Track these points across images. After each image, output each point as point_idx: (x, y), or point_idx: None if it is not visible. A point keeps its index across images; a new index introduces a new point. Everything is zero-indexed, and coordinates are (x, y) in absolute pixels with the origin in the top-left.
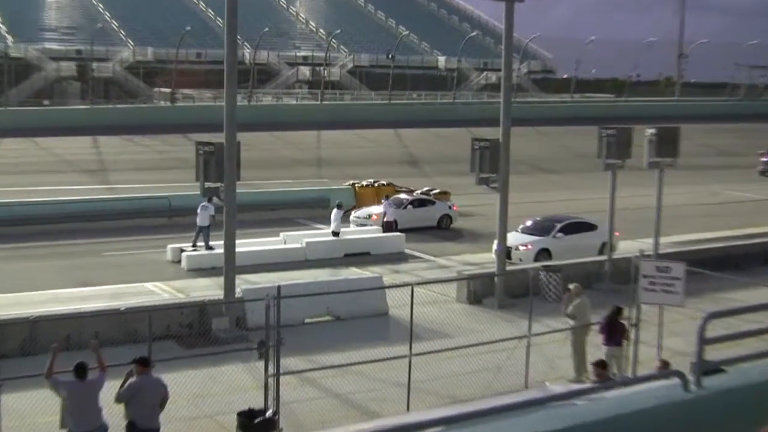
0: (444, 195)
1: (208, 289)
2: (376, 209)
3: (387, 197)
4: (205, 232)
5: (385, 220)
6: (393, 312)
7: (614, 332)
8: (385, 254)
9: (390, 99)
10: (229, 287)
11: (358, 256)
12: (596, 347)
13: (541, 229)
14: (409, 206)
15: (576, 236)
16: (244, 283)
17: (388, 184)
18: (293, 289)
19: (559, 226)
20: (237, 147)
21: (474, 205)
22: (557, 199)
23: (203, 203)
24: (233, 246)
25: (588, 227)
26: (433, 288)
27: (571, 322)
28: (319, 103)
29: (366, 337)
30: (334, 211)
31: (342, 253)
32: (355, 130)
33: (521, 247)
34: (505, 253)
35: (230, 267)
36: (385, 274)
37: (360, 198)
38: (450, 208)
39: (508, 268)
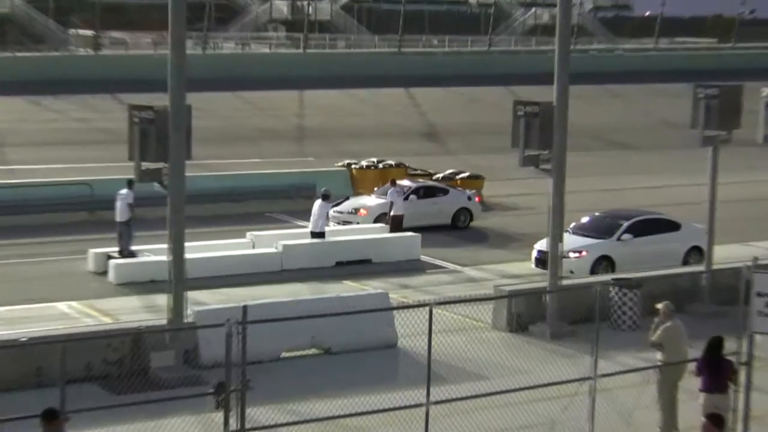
0: (475, 181)
1: (146, 311)
2: (368, 201)
3: (393, 183)
4: (125, 231)
5: (392, 214)
6: (404, 343)
7: (717, 373)
8: (392, 262)
9: (401, 46)
10: (176, 309)
11: (355, 265)
12: (690, 394)
13: (600, 228)
14: (412, 196)
15: (650, 239)
16: (196, 303)
17: (398, 165)
18: (265, 310)
19: (626, 224)
20: (187, 113)
21: (516, 194)
22: (634, 186)
23: (121, 191)
24: (182, 252)
25: (667, 226)
26: (460, 310)
27: (658, 357)
28: (301, 51)
29: (366, 377)
30: (318, 203)
31: (333, 261)
32: (351, 90)
33: (572, 254)
34: (543, 261)
35: (178, 281)
36: (393, 290)
37: (359, 184)
38: (470, 199)
39: (566, 282)
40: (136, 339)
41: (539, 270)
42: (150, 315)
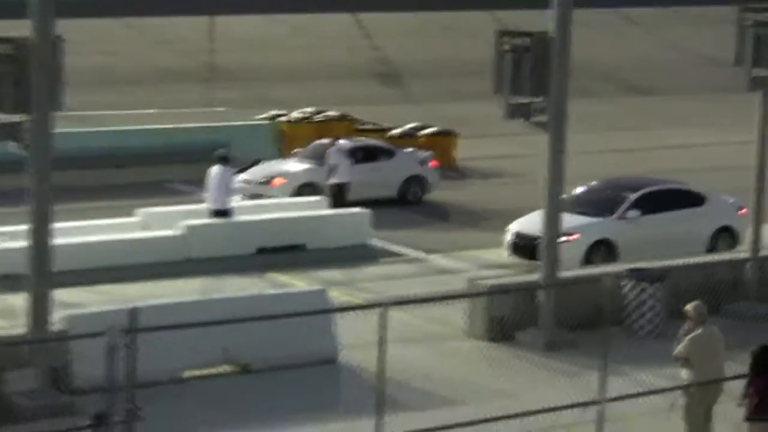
0: (445, 139)
1: None
2: (287, 166)
3: (335, 141)
4: None
5: (333, 181)
6: (348, 357)
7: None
8: (333, 249)
9: None
10: (39, 314)
11: (284, 253)
12: (729, 423)
13: (598, 203)
14: (345, 161)
15: (664, 217)
16: (66, 305)
17: (342, 118)
18: (162, 315)
19: (632, 197)
20: (58, 46)
21: (500, 156)
22: (658, 145)
23: None
24: (47, 235)
25: (688, 200)
26: (424, 312)
27: (684, 375)
28: None
29: (297, 404)
30: (215, 170)
31: (254, 248)
32: (279, 15)
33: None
34: (522, 247)
35: (41, 275)
36: (334, 285)
37: (289, 143)
38: (423, 163)
39: (565, 274)
40: None
41: (516, 259)
42: (3, 321)
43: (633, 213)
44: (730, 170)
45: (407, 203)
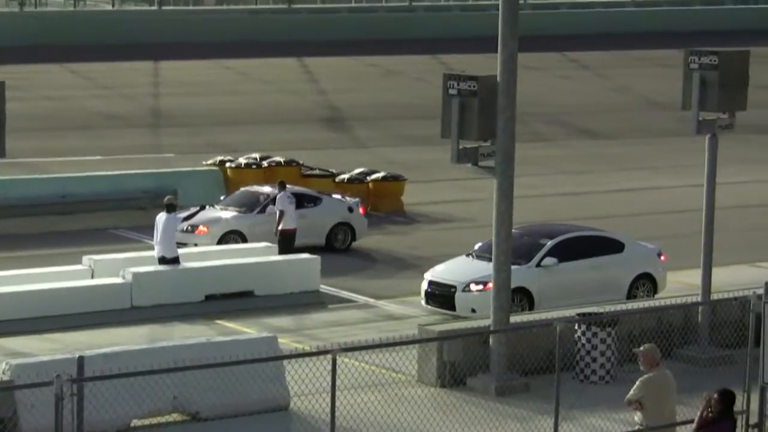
0: (394, 183)
1: None
2: (215, 213)
3: (282, 186)
4: None
5: (280, 228)
6: (299, 405)
7: None
8: (282, 295)
9: (291, 2)
10: None
11: (233, 299)
12: None
13: (515, 250)
14: (269, 208)
15: (582, 264)
16: (11, 354)
17: (289, 163)
18: (109, 363)
19: (549, 245)
20: None
21: (447, 200)
22: (608, 189)
23: None
24: None
25: (606, 247)
26: (374, 359)
27: (636, 419)
28: (156, 8)
29: None
30: (162, 217)
31: (201, 295)
32: (225, 60)
33: (473, 287)
34: (436, 296)
35: None
36: (284, 333)
37: (235, 187)
38: (351, 209)
39: (516, 318)
40: None
41: (431, 308)
42: None
43: (549, 260)
44: (675, 213)
45: (336, 252)
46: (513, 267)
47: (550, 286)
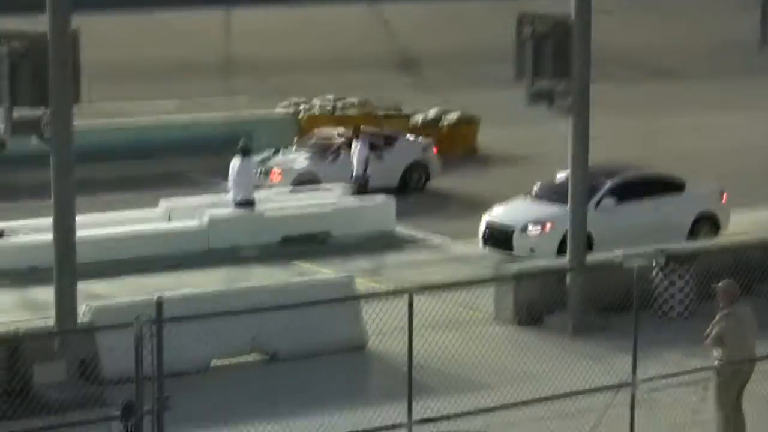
0: (467, 126)
1: (25, 310)
2: (290, 158)
3: (357, 131)
4: None
5: (355, 173)
6: (376, 344)
7: None
8: (358, 236)
9: None
10: (66, 306)
11: (308, 243)
12: (763, 403)
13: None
14: (343, 152)
15: (641, 205)
16: (92, 297)
17: (363, 105)
18: (188, 305)
19: (607, 185)
20: (74, 41)
21: (521, 142)
22: (683, 128)
23: None
24: (72, 228)
25: (666, 187)
26: (451, 298)
27: (715, 355)
28: None
29: (326, 391)
30: (237, 162)
31: (278, 237)
32: (295, 7)
33: (531, 228)
34: (495, 238)
35: (66, 267)
36: (360, 273)
37: (307, 132)
38: (424, 149)
39: (592, 257)
40: (13, 347)
41: (490, 250)
42: (31, 314)
43: (608, 201)
44: (752, 149)
45: (411, 191)
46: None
47: (609, 227)
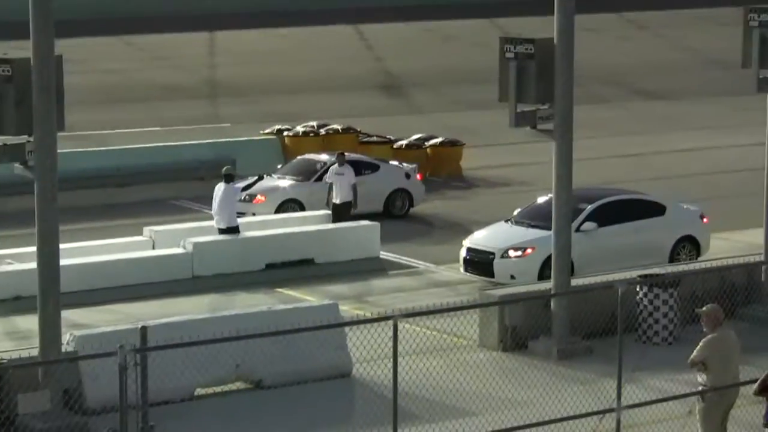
0: (451, 148)
1: (9, 339)
2: (273, 182)
3: (341, 156)
4: None
5: (334, 202)
6: (361, 371)
7: None
8: (342, 262)
9: None
10: (49, 334)
11: (293, 268)
12: (747, 428)
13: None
14: (325, 176)
15: (622, 228)
16: (76, 326)
17: (347, 131)
18: (172, 332)
19: (588, 209)
20: (57, 66)
21: (506, 165)
22: (667, 149)
23: None
24: (55, 256)
25: (647, 210)
26: (435, 324)
27: (700, 380)
28: None
29: (312, 418)
30: (220, 188)
31: (262, 263)
32: (280, 29)
33: (512, 253)
34: (475, 263)
35: (50, 295)
36: (345, 300)
37: (293, 156)
38: (408, 176)
39: (576, 281)
40: None
41: (470, 275)
42: (14, 343)
43: (589, 225)
44: (735, 173)
45: (394, 218)
46: (551, 233)
47: (591, 250)
